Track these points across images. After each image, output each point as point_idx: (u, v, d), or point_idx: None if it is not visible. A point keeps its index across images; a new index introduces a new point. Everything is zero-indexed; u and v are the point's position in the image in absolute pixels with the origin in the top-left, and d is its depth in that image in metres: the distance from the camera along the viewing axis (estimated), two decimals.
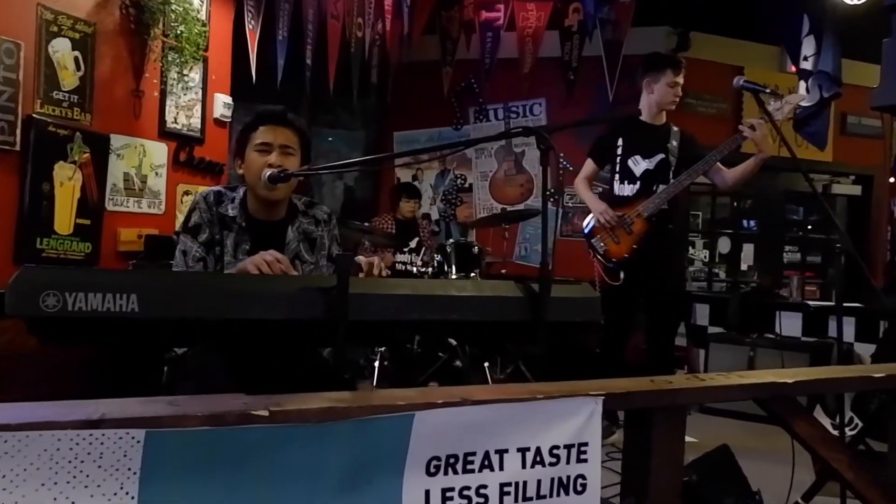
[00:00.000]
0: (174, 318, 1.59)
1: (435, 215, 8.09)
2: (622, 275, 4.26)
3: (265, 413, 1.23)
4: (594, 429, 1.51)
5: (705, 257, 8.14)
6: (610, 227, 4.30)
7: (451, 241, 5.62)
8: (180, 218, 5.03)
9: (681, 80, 4.31)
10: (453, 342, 4.47)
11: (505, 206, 7.49)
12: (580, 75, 7.15)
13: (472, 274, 5.34)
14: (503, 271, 5.75)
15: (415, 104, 7.89)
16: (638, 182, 4.31)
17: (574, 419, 1.50)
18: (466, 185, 7.98)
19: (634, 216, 4.25)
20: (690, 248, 8.16)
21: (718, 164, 4.23)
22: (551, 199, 7.18)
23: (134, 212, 4.95)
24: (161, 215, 5.13)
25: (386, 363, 5.22)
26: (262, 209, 2.56)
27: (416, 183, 7.67)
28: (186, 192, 5.26)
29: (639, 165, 4.33)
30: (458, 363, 5.07)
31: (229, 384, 2.00)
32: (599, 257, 4.37)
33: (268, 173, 2.41)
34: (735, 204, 8.26)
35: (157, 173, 5.09)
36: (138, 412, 1.20)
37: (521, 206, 7.51)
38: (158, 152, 5.11)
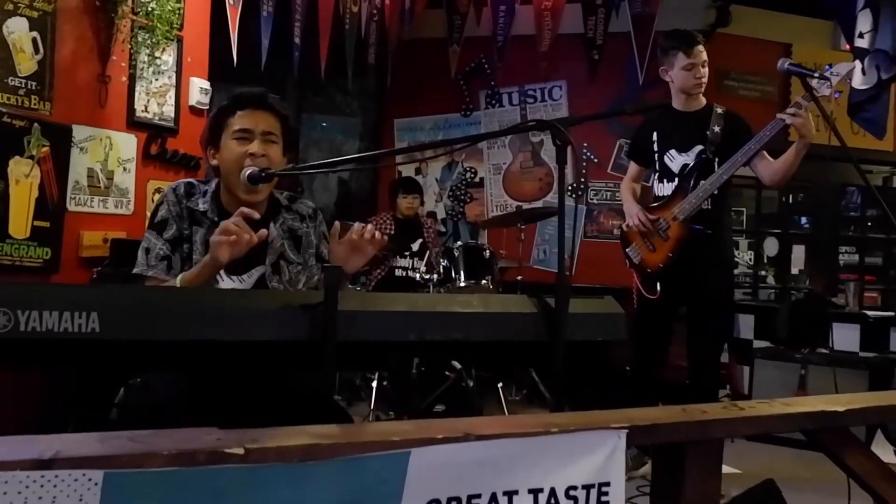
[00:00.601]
0: (140, 339, 1.60)
1: (441, 213, 8.10)
2: (659, 287, 4.23)
3: (240, 451, 1.23)
4: (617, 466, 1.51)
5: (750, 260, 8.12)
6: (643, 233, 4.28)
7: (459, 243, 5.62)
8: None
9: (698, 58, 4.19)
10: (457, 365, 4.47)
11: (521, 204, 7.49)
12: (606, 54, 7.15)
13: (483, 281, 5.34)
14: (519, 278, 5.74)
15: (418, 87, 7.91)
16: (676, 179, 4.27)
17: (594, 455, 1.49)
18: (477, 180, 7.99)
19: (670, 219, 4.21)
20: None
21: (764, 153, 4.16)
22: (573, 196, 7.21)
23: (99, 212, 4.97)
24: (130, 216, 5.15)
25: (385, 384, 5.23)
26: (236, 202, 2.56)
27: (419, 177, 7.68)
28: (158, 190, 5.28)
29: (675, 161, 4.29)
30: (469, 383, 5.07)
31: (200, 415, 2.00)
32: (635, 267, 4.36)
33: (247, 172, 2.42)
34: (784, 198, 8.23)
35: (125, 168, 5.11)
36: (96, 450, 1.19)
37: (539, 203, 7.52)
38: (127, 145, 5.13)
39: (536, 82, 7.62)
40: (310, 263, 2.68)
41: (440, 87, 7.83)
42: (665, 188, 4.32)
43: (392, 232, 6.09)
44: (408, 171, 7.71)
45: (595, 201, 7.46)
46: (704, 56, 4.22)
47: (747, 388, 5.85)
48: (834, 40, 7.39)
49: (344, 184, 8.42)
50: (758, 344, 6.10)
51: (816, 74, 3.41)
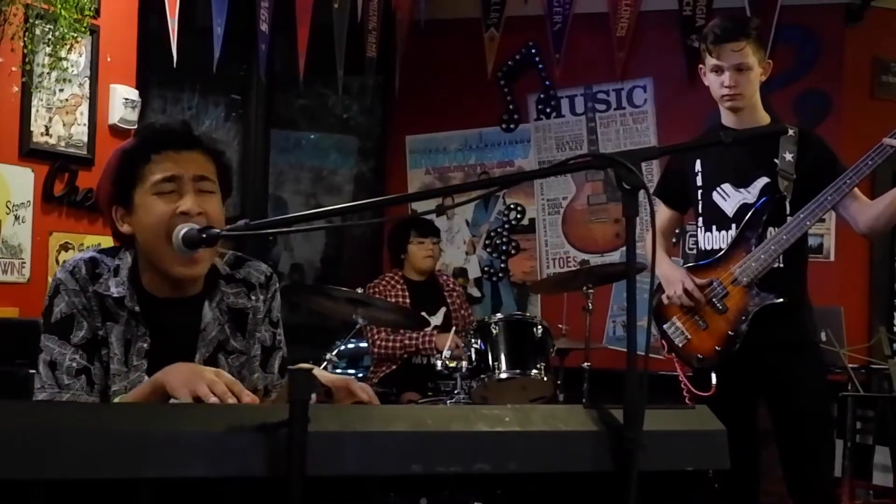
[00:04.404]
0: (24, 479, 1.61)
1: (474, 271, 8.10)
2: (714, 380, 4.21)
3: None
4: None
5: None
6: (690, 307, 4.32)
7: (500, 315, 5.63)
8: None
9: (727, 59, 4.12)
10: None
11: (588, 257, 7.47)
12: None
13: (534, 370, 5.34)
14: (586, 365, 5.72)
15: (439, 90, 7.94)
16: (732, 226, 4.28)
17: None
18: (525, 222, 8.00)
19: (728, 283, 4.23)
20: None
21: (856, 190, 4.13)
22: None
23: None
24: (24, 285, 5.18)
25: None
26: (163, 281, 2.59)
27: (442, 218, 7.64)
28: (66, 247, 5.32)
29: (730, 199, 4.30)
30: None
31: None
32: (678, 353, 4.39)
33: (182, 232, 2.38)
34: None
35: (17, 217, 5.15)
36: None
37: (614, 256, 7.48)
38: (20, 183, 5.17)
39: (610, 81, 7.63)
40: (252, 353, 2.73)
41: (471, 90, 7.87)
42: (716, 239, 4.35)
43: (406, 300, 6.09)
44: (423, 208, 7.48)
45: (694, 250, 7.41)
46: (742, 59, 4.12)
47: None
48: None
49: (335, 230, 8.40)
50: None
51: None
